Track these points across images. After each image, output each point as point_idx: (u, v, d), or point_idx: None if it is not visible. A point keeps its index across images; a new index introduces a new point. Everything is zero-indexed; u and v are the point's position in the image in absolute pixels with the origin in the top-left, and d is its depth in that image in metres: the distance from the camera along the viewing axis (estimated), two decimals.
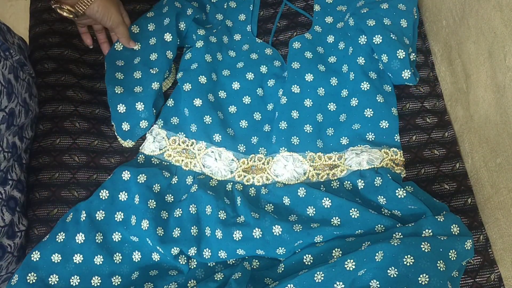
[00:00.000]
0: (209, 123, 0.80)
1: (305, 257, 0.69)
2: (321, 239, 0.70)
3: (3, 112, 0.69)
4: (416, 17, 0.84)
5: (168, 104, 0.84)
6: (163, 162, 0.80)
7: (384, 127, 0.78)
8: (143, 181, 0.76)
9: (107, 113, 0.86)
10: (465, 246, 0.65)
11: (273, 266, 0.71)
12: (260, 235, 0.71)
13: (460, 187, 0.77)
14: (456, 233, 0.66)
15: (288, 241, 0.70)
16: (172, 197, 0.77)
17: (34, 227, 0.77)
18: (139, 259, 0.73)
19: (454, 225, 0.66)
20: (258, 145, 0.81)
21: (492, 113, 0.70)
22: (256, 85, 0.85)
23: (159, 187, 0.77)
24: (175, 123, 0.82)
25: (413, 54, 0.83)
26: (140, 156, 0.80)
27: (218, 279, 0.68)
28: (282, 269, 0.70)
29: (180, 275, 0.72)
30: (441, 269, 0.61)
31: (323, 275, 0.63)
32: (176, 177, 0.78)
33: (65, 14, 0.78)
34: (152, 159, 0.80)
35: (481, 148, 0.74)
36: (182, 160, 0.79)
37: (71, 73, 0.87)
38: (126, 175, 0.76)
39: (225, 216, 0.73)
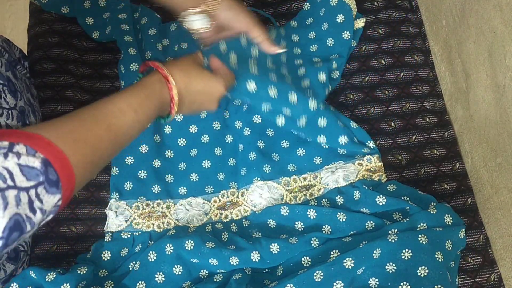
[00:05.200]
0: (172, 181, 0.79)
1: (303, 259, 0.69)
2: (317, 242, 0.69)
3: (15, 110, 0.68)
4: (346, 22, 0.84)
5: (113, 174, 0.79)
6: (134, 233, 0.75)
7: (355, 138, 0.78)
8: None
9: None
10: (459, 235, 0.65)
11: (272, 268, 0.71)
12: (259, 258, 0.69)
13: (460, 187, 0.77)
14: (449, 223, 0.66)
15: (287, 255, 0.69)
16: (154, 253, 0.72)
17: None
18: None
19: (447, 215, 0.67)
20: (226, 180, 0.78)
21: (492, 113, 0.70)
22: (212, 121, 0.82)
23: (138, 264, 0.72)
24: (129, 189, 0.78)
25: (337, 72, 0.84)
26: (107, 235, 0.75)
27: (218, 280, 0.68)
28: (281, 271, 0.69)
29: None
30: (439, 260, 0.61)
31: (322, 274, 0.63)
32: (152, 242, 0.74)
33: (196, 25, 0.74)
34: (122, 234, 0.75)
35: (481, 148, 0.74)
36: (153, 224, 0.76)
37: (70, 73, 0.87)
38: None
39: (213, 245, 0.70)
